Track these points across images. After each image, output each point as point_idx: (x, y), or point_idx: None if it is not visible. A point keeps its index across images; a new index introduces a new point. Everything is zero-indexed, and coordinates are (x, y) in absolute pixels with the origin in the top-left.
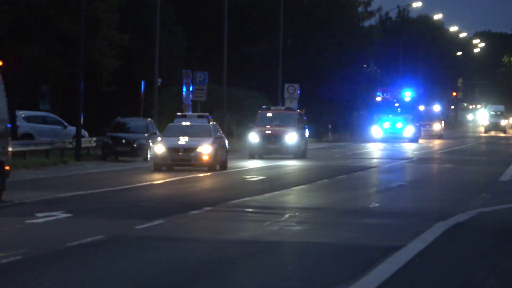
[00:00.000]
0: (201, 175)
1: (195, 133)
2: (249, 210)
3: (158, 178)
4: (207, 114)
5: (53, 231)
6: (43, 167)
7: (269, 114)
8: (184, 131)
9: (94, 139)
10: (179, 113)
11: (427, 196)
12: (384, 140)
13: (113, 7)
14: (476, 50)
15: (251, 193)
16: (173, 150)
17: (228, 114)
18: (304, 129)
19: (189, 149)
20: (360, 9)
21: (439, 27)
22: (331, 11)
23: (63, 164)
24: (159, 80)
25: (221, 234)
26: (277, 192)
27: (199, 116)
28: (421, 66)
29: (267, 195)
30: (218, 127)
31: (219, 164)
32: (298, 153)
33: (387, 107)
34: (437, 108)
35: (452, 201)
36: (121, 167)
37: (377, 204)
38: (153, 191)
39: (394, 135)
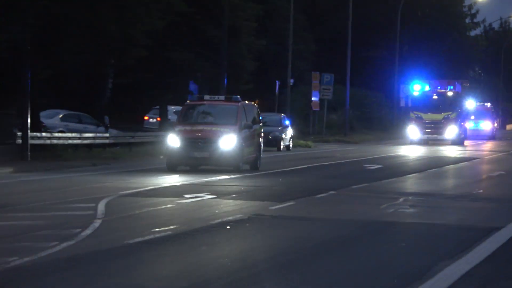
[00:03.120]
0: None
1: None
2: (367, 194)
3: (290, 166)
4: None
5: (199, 210)
6: None
7: (200, 107)
8: None
9: None
10: None
11: None
12: (422, 142)
13: (252, 16)
14: None
15: (369, 180)
16: None
17: (350, 111)
18: (253, 129)
19: None
20: (467, 20)
21: None
22: (441, 21)
23: None
24: (291, 80)
25: (343, 215)
26: (394, 179)
27: None
28: None
29: (384, 181)
30: None
31: None
32: (239, 165)
33: (426, 102)
34: (488, 105)
35: None
36: None
37: (480, 190)
38: (285, 176)
39: (434, 136)
